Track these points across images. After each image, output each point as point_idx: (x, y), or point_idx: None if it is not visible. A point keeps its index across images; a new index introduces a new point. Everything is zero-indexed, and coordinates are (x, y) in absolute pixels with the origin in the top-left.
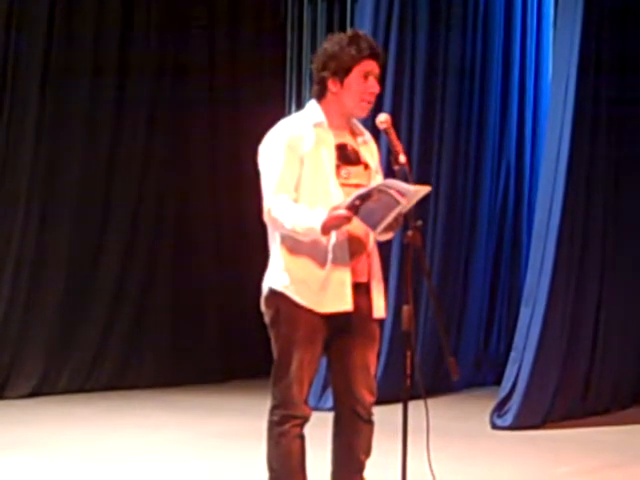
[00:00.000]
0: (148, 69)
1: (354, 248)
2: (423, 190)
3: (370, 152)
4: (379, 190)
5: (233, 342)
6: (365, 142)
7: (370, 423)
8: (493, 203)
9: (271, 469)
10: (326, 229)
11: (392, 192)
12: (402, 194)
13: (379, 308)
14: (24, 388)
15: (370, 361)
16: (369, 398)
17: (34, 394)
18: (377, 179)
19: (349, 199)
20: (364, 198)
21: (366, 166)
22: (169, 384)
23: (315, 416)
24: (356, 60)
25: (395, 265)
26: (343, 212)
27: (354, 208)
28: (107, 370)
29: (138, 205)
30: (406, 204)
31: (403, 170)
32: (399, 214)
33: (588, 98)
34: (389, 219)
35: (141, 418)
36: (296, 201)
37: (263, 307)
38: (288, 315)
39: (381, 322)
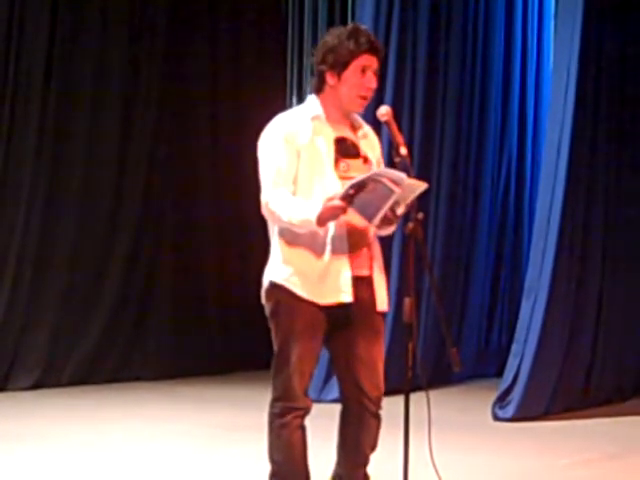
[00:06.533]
0: (153, 66)
1: (354, 241)
2: (420, 186)
3: (371, 145)
4: (373, 180)
5: (235, 334)
6: (365, 135)
7: (377, 418)
8: (495, 195)
9: (273, 461)
10: (322, 220)
11: (386, 181)
12: (396, 183)
13: (382, 301)
14: (27, 380)
15: (375, 355)
16: (375, 392)
17: (37, 386)
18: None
19: (343, 189)
20: (358, 188)
21: (365, 159)
22: (172, 376)
23: (317, 408)
24: (354, 54)
25: (397, 257)
26: (337, 203)
27: (348, 198)
28: (110, 362)
29: (142, 200)
30: (401, 193)
31: (404, 162)
32: (395, 204)
33: (589, 93)
34: (384, 209)
35: (144, 410)
36: (294, 194)
37: (263, 300)
38: (288, 307)
39: (383, 315)
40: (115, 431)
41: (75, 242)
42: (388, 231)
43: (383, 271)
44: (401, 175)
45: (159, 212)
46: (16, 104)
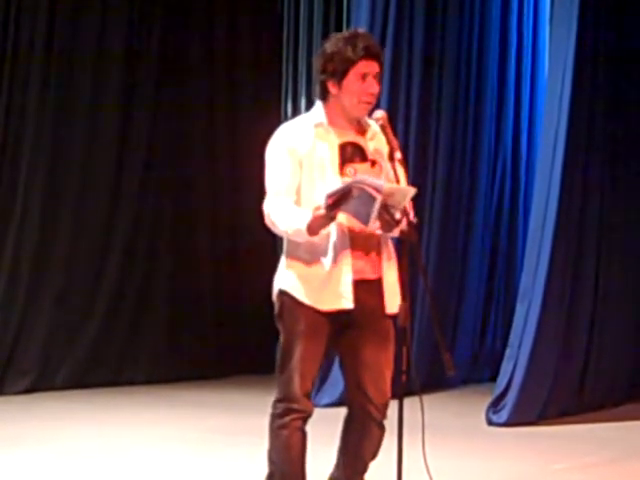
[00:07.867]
0: (151, 65)
1: (358, 245)
2: (409, 190)
3: (381, 143)
4: (355, 186)
5: (231, 339)
6: (373, 136)
7: (381, 427)
8: (489, 199)
9: (271, 461)
10: (312, 230)
11: (367, 188)
12: (377, 190)
13: (392, 304)
14: (21, 384)
15: (382, 361)
16: (380, 399)
17: (31, 390)
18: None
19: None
20: (342, 195)
21: (373, 163)
22: (167, 380)
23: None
24: (352, 61)
25: None
26: (322, 212)
27: (328, 207)
28: (105, 366)
29: (139, 203)
30: (382, 199)
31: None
32: (391, 208)
33: (584, 96)
34: (374, 214)
35: (139, 414)
36: (297, 203)
37: (274, 300)
38: (291, 311)
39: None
40: (110, 435)
41: (71, 246)
42: (395, 234)
43: (396, 274)
44: (379, 182)
45: (156, 218)
46: (13, 101)
